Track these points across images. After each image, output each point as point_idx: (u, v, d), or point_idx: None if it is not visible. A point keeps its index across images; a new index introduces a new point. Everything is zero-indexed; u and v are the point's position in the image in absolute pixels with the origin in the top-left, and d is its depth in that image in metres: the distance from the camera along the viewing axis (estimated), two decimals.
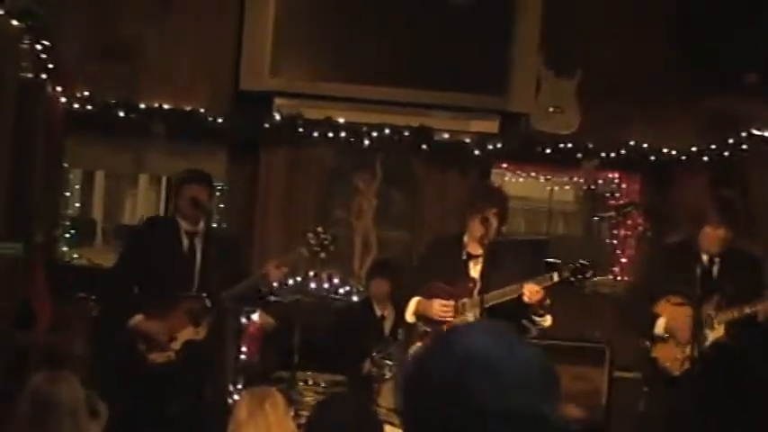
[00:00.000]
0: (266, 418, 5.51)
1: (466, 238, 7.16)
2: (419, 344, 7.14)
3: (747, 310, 7.16)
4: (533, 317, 6.96)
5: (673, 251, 7.97)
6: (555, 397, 1.96)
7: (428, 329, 7.12)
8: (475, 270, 7.15)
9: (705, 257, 7.35)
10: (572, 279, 6.99)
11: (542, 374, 1.96)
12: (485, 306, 6.88)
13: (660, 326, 7.39)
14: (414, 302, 7.15)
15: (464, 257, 7.17)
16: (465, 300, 7.03)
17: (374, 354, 8.03)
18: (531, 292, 6.82)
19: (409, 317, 7.19)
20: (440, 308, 7.04)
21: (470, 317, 6.99)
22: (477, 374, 1.90)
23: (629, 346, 7.81)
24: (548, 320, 7.03)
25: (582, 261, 7.03)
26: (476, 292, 7.04)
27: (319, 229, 7.59)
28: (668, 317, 7.39)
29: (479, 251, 7.09)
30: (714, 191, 9.81)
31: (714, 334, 7.23)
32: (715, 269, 7.37)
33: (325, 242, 7.53)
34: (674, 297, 7.41)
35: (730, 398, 7.25)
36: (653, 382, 7.59)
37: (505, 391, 1.90)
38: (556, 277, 6.90)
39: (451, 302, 7.04)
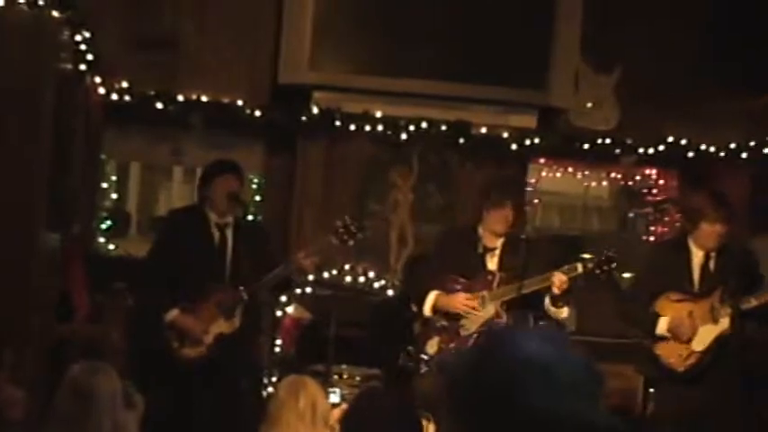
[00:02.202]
0: (301, 409, 5.49)
1: (481, 230, 7.14)
2: (436, 338, 7.13)
3: (754, 302, 7.14)
4: (552, 307, 6.94)
5: (667, 248, 7.94)
6: (601, 402, 1.95)
7: (446, 324, 7.11)
8: (492, 263, 7.14)
9: (701, 253, 7.32)
10: (597, 271, 6.98)
11: (592, 380, 1.95)
12: (508, 298, 6.88)
13: (662, 325, 7.35)
14: (432, 296, 7.14)
15: (480, 250, 7.15)
16: (484, 293, 7.02)
17: (410, 348, 8.02)
18: (560, 281, 6.81)
19: (428, 311, 7.17)
20: (464, 302, 7.02)
21: (491, 310, 6.97)
22: (532, 378, 1.89)
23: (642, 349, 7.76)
24: (564, 312, 7.02)
25: (608, 253, 7.02)
26: (495, 284, 7.02)
27: (347, 218, 7.56)
28: (669, 315, 7.36)
29: (496, 243, 7.09)
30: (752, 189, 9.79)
31: (719, 328, 7.20)
32: (711, 264, 7.33)
33: (353, 230, 7.49)
34: (674, 294, 7.38)
35: (739, 391, 7.23)
36: (659, 381, 7.57)
37: (559, 396, 1.89)
38: (580, 268, 6.88)
39: (476, 296, 7.02)
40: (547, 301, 6.95)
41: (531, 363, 1.91)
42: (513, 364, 1.91)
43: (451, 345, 7.14)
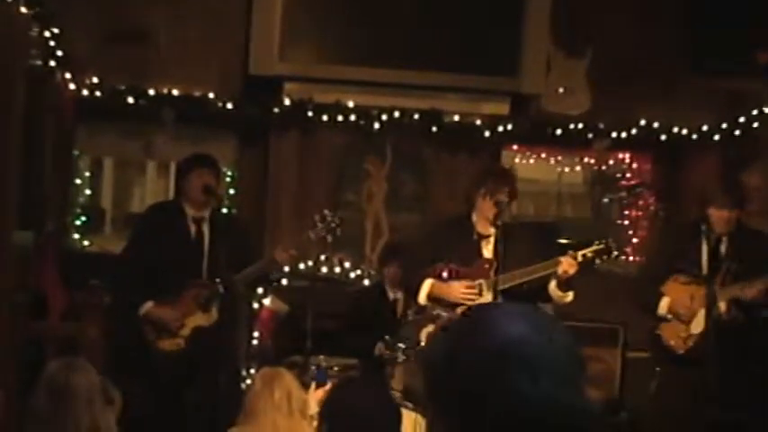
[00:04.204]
0: (276, 402, 5.49)
1: (475, 218, 7.12)
2: (431, 326, 7.11)
3: (747, 290, 7.15)
4: (558, 291, 6.93)
5: (681, 231, 7.99)
6: (584, 385, 1.94)
7: (441, 312, 7.08)
8: (487, 250, 7.11)
9: (712, 236, 7.35)
10: (596, 260, 6.99)
11: (575, 363, 1.93)
12: (507, 286, 6.86)
13: (663, 305, 7.43)
14: (428, 284, 7.10)
15: (475, 237, 7.13)
16: (481, 281, 7.00)
17: (387, 337, 8.02)
18: (569, 264, 6.79)
19: (423, 299, 7.15)
20: (463, 290, 7.00)
21: (489, 298, 6.96)
22: (515, 362, 1.87)
23: (643, 327, 7.81)
24: (569, 296, 7.01)
25: (606, 242, 7.03)
26: (492, 272, 7.00)
27: (326, 212, 7.58)
28: (672, 296, 7.40)
29: (490, 231, 7.06)
30: (724, 171, 9.83)
31: (717, 311, 7.23)
32: (723, 248, 7.37)
33: (332, 224, 7.52)
34: (681, 276, 7.43)
35: (737, 374, 7.25)
36: (662, 361, 7.61)
37: (542, 380, 1.88)
38: (580, 257, 6.88)
39: (475, 284, 7.01)
40: (552, 285, 6.93)
41: (514, 346, 1.89)
42: (495, 348, 1.89)
43: None
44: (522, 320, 1.94)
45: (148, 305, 7.28)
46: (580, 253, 6.87)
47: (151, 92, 9.62)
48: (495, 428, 1.86)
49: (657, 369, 7.71)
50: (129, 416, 5.54)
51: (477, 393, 1.87)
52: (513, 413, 1.86)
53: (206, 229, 7.48)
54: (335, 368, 8.16)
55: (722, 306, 7.21)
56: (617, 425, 8.68)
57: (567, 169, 10.54)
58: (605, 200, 10.69)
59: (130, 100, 9.56)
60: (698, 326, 7.30)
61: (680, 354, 7.39)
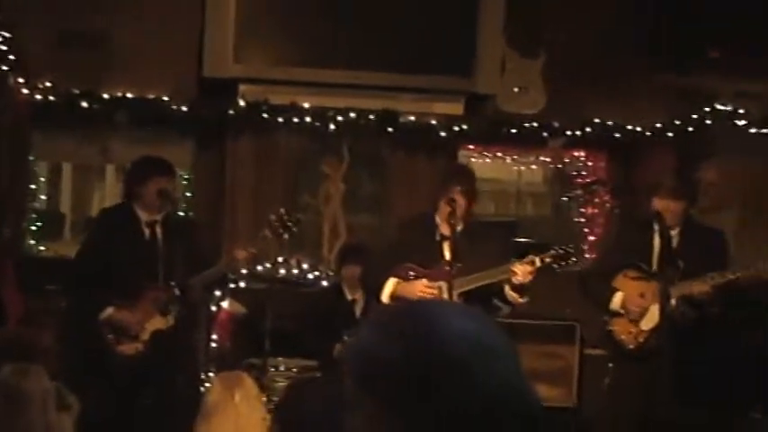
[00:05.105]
0: (237, 404, 5.54)
1: (438, 219, 7.13)
2: None
3: (697, 286, 7.17)
4: (513, 293, 6.94)
5: (632, 226, 8.02)
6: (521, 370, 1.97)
7: None
8: (448, 251, 7.13)
9: (665, 232, 7.36)
10: (554, 266, 7.00)
11: (515, 351, 1.96)
12: (465, 289, 6.87)
13: (616, 301, 7.45)
14: (391, 283, 7.10)
15: (438, 238, 7.14)
16: (441, 283, 6.99)
17: (345, 338, 8.04)
18: (524, 273, 6.80)
19: (386, 299, 7.16)
20: (424, 290, 7.00)
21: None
22: (476, 353, 1.89)
23: (599, 323, 7.85)
24: (525, 298, 7.04)
25: (565, 248, 7.04)
26: (451, 274, 7.01)
27: (282, 211, 7.57)
28: (624, 292, 7.44)
29: (450, 232, 7.08)
30: (678, 167, 9.90)
31: (666, 308, 7.26)
32: (674, 243, 7.39)
33: (289, 224, 7.51)
34: (631, 271, 7.45)
35: (688, 371, 7.29)
36: (615, 357, 7.65)
37: (500, 369, 1.90)
38: (538, 262, 6.88)
39: (435, 285, 7.01)
40: (507, 287, 6.94)
41: (470, 341, 1.90)
42: (456, 345, 1.89)
43: None
44: (465, 314, 1.97)
45: (109, 310, 7.26)
46: (538, 258, 6.89)
47: (105, 96, 9.58)
48: (456, 419, 1.87)
49: (610, 365, 7.75)
50: (88, 421, 5.53)
51: (444, 385, 1.87)
52: (475, 402, 1.86)
53: (159, 231, 7.47)
54: (294, 370, 8.17)
55: (672, 303, 7.24)
56: (574, 421, 8.72)
57: (524, 168, 10.60)
58: (564, 198, 10.75)
59: (85, 104, 9.52)
60: (649, 322, 7.33)
61: (631, 349, 7.41)
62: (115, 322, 7.26)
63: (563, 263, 6.99)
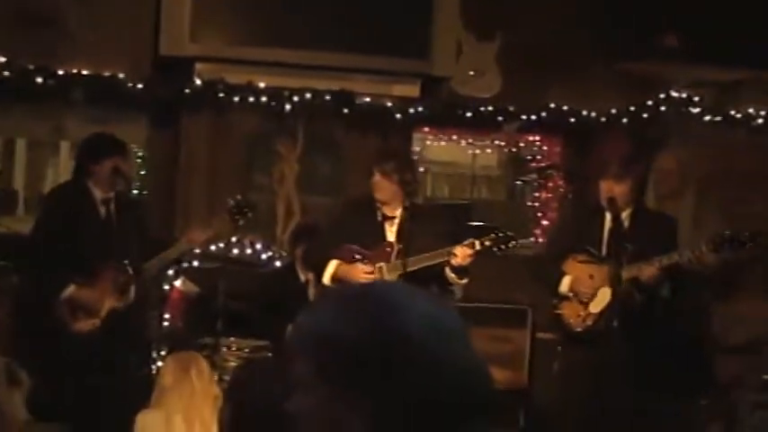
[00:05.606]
0: (191, 384, 5.54)
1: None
2: None
3: (644, 269, 7.21)
4: (453, 274, 6.99)
5: (582, 210, 8.08)
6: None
7: None
8: (391, 232, 7.15)
9: (612, 216, 7.41)
10: (494, 249, 7.04)
11: (466, 328, 1.98)
12: (407, 270, 6.90)
13: (565, 284, 7.49)
14: (333, 265, 7.13)
15: (379, 219, 7.17)
16: (382, 264, 7.03)
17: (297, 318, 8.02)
18: (463, 255, 6.85)
19: (327, 280, 7.18)
20: (363, 272, 7.04)
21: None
22: (442, 339, 1.91)
23: (549, 308, 7.90)
24: (465, 281, 7.09)
25: (505, 232, 7.08)
26: (393, 255, 7.05)
27: (239, 197, 7.60)
28: (573, 275, 7.48)
29: (396, 212, 7.10)
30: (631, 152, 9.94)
31: (616, 291, 7.30)
32: (624, 228, 7.43)
33: (245, 210, 7.54)
34: (580, 255, 7.50)
35: (637, 353, 7.34)
36: (563, 340, 7.70)
37: (463, 354, 1.93)
38: (478, 245, 6.94)
39: (373, 267, 7.05)
40: (447, 269, 6.99)
41: (432, 322, 1.92)
42: (420, 327, 1.91)
43: None
44: (423, 297, 1.98)
45: (71, 288, 7.24)
46: (478, 242, 6.94)
47: (60, 72, 9.51)
48: (423, 400, 1.88)
49: (559, 348, 7.80)
50: (39, 398, 5.51)
51: (408, 367, 1.87)
52: (440, 384, 1.88)
53: (113, 210, 7.46)
54: (246, 350, 8.17)
55: (623, 287, 7.29)
56: (524, 404, 8.78)
57: (479, 152, 10.62)
58: (518, 182, 10.79)
59: (39, 80, 9.45)
60: (598, 305, 7.38)
61: (578, 332, 7.46)
62: (76, 300, 7.25)
63: (503, 246, 7.05)
